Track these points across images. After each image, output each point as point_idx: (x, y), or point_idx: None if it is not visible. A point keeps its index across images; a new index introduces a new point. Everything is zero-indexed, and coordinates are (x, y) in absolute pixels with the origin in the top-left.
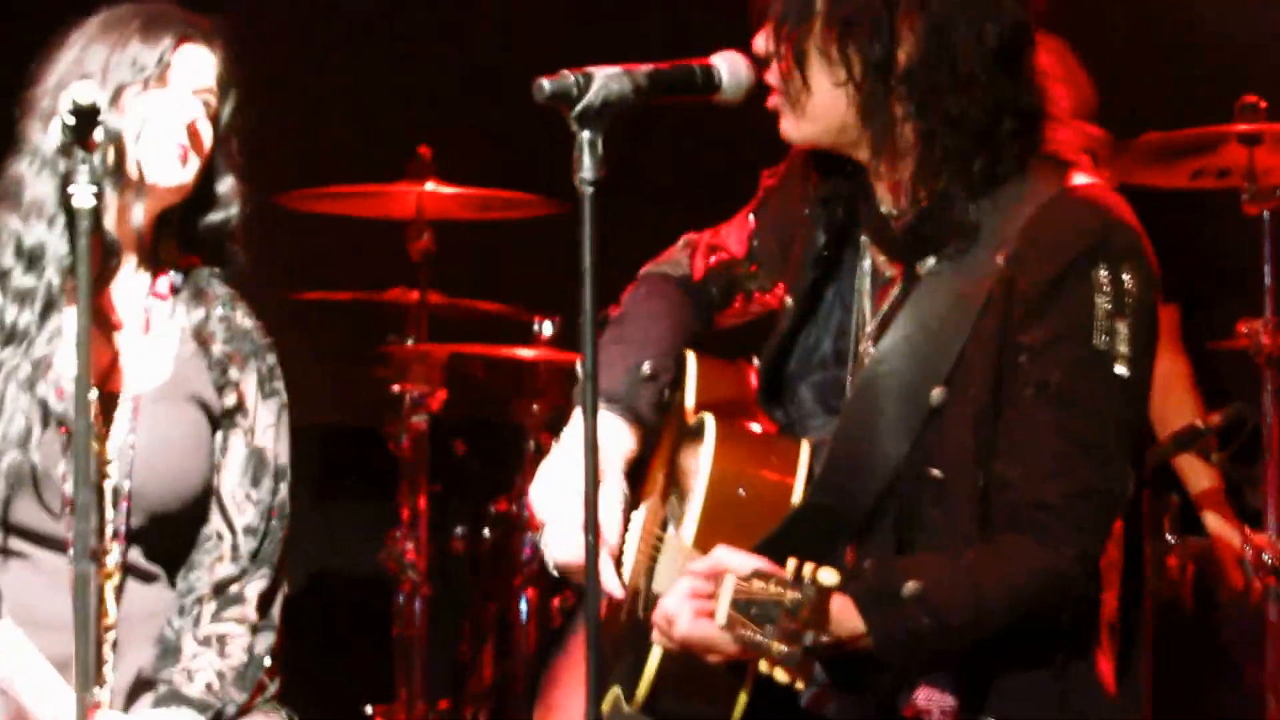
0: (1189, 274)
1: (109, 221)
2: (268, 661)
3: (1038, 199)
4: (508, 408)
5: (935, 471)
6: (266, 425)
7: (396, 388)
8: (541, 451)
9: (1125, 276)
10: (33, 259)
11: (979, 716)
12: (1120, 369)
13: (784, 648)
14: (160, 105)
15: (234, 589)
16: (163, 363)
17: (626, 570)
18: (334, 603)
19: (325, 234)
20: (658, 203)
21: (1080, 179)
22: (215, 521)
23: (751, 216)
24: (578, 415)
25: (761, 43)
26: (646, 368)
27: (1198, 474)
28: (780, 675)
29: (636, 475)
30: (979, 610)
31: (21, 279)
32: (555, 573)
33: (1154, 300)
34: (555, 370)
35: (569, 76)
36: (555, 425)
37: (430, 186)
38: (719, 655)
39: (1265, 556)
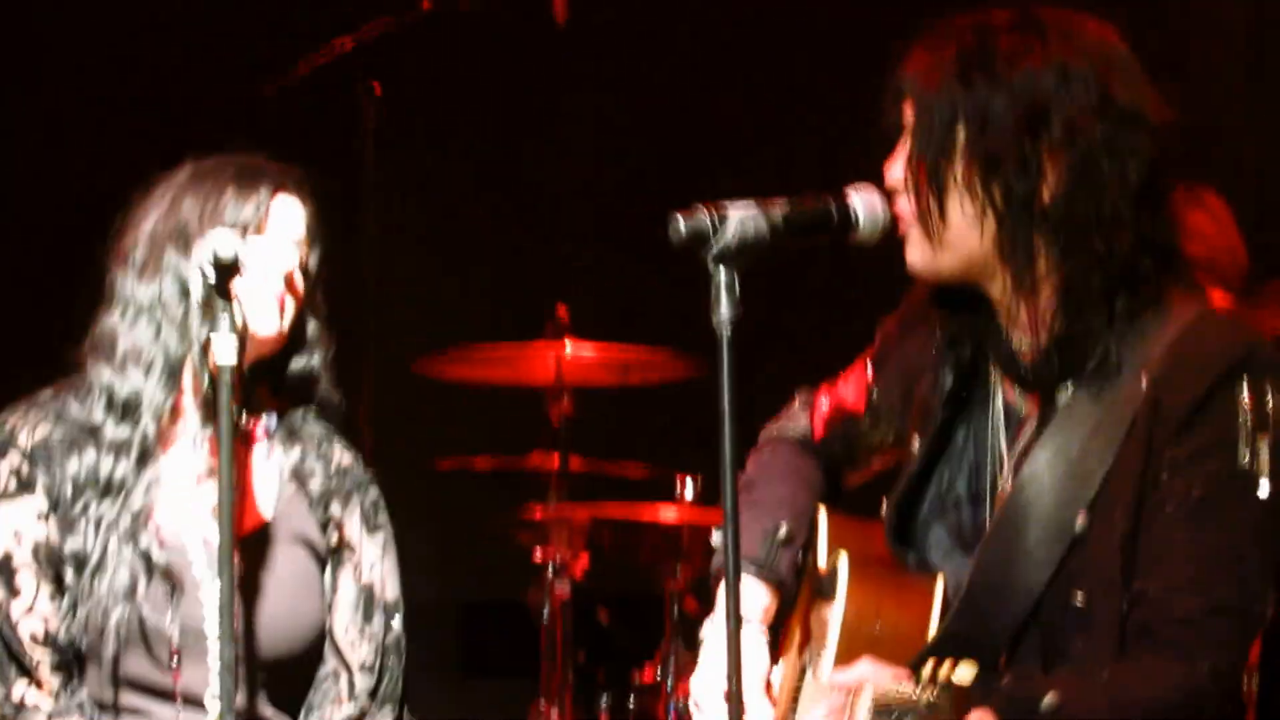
0: None
1: (205, 368)
2: None
3: (1178, 323)
4: (651, 573)
5: (1079, 598)
6: (373, 561)
7: (538, 555)
8: (685, 618)
9: (1269, 394)
10: (126, 409)
11: None
12: (1264, 486)
13: None
14: (259, 255)
15: None
16: (264, 506)
17: (781, 707)
18: None
19: (465, 400)
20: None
21: (1219, 305)
22: (331, 662)
23: (870, 367)
24: (721, 593)
25: (896, 172)
26: (782, 531)
27: None
28: None
29: (776, 636)
30: None
31: (115, 431)
32: None
33: None
34: (698, 532)
35: (704, 216)
36: (699, 590)
37: (569, 347)
38: None
39: None
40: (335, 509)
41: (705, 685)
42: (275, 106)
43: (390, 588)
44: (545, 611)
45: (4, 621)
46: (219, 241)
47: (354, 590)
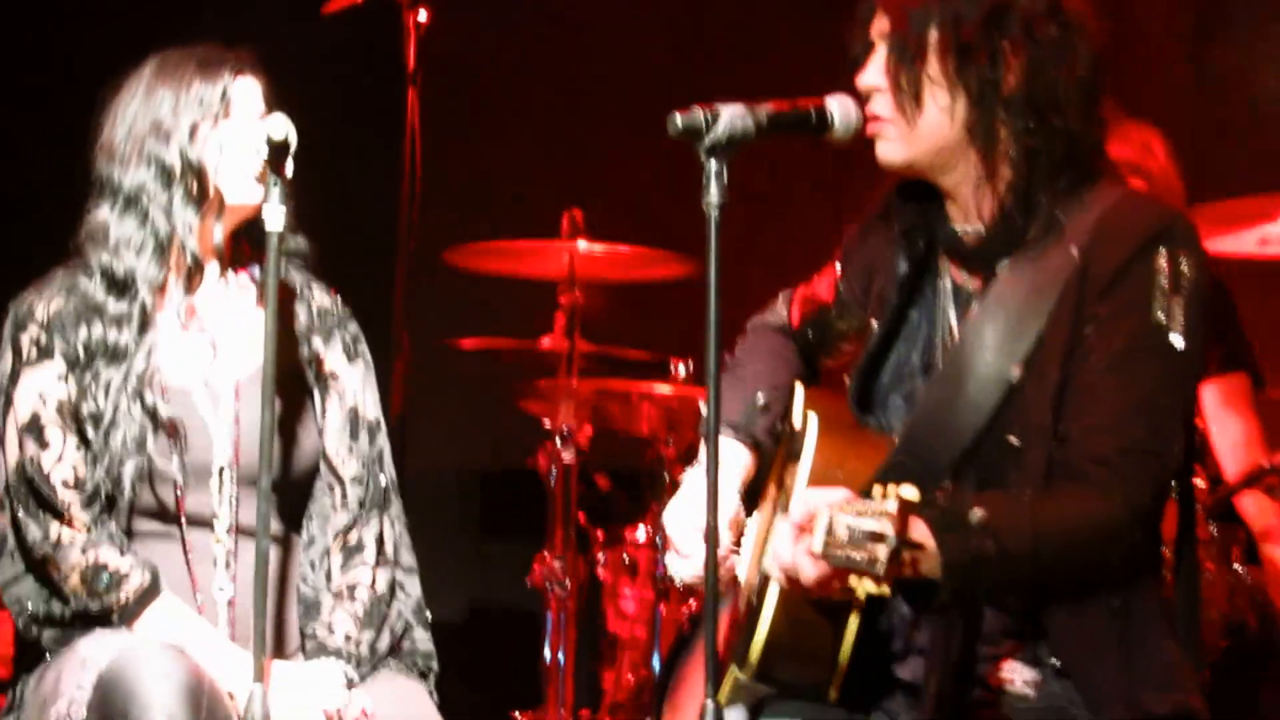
0: (1257, 339)
1: (192, 242)
2: (388, 597)
3: (1106, 200)
4: (646, 443)
5: (1013, 439)
6: (355, 388)
7: (547, 424)
8: (675, 483)
9: (1183, 261)
10: (124, 287)
11: (1044, 656)
12: (1175, 340)
13: (870, 555)
14: (232, 136)
15: (352, 537)
16: (254, 349)
17: (743, 572)
18: (490, 622)
19: (486, 289)
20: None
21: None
22: (325, 476)
23: (838, 265)
24: (703, 448)
25: (870, 76)
26: (760, 398)
27: (1262, 510)
28: (869, 587)
29: (755, 495)
30: (1036, 541)
31: (116, 306)
32: (681, 587)
33: (1207, 282)
34: (688, 405)
35: (699, 113)
36: (688, 457)
37: (581, 245)
38: (823, 581)
39: None
40: (318, 344)
41: (676, 519)
42: (334, 25)
43: (371, 409)
44: (552, 475)
45: (37, 472)
46: (272, 125)
47: (340, 414)
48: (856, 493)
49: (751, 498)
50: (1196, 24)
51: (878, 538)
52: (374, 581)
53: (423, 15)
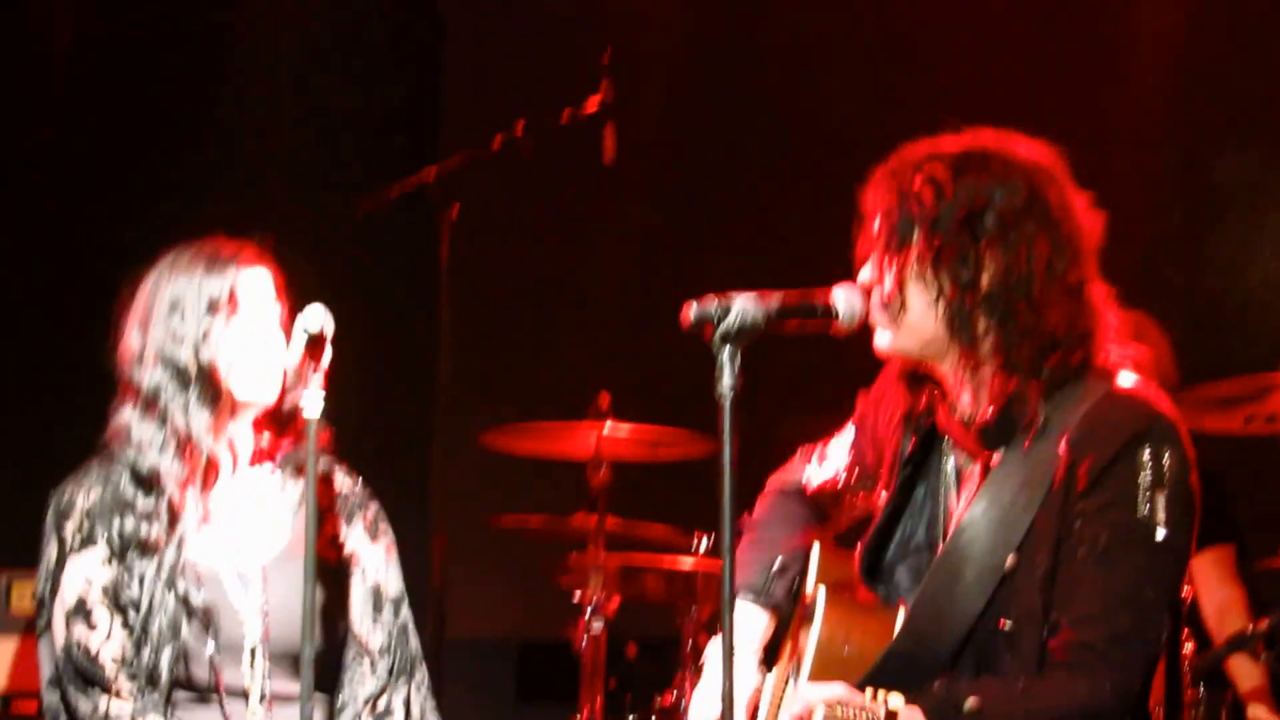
0: (1244, 511)
1: (208, 441)
2: None
3: (1093, 396)
4: (671, 613)
5: (1007, 624)
6: (378, 565)
7: (577, 595)
8: (698, 651)
9: (1165, 457)
10: (150, 484)
11: None
12: (1159, 533)
13: None
14: (243, 333)
15: (381, 703)
16: (280, 533)
17: None
18: None
19: (521, 469)
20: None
21: (1126, 380)
22: (353, 649)
23: (852, 429)
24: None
25: (865, 274)
26: (778, 562)
27: (1247, 673)
28: None
29: (775, 652)
30: None
31: (144, 502)
32: None
33: (1190, 477)
34: (710, 579)
35: (711, 304)
36: (711, 626)
37: (607, 426)
38: None
39: None
40: (340, 526)
41: (703, 705)
42: (370, 223)
43: (393, 584)
44: (583, 645)
45: (84, 654)
46: (308, 318)
47: (364, 591)
48: (862, 669)
49: (772, 654)
50: (1185, 211)
51: None
52: None
53: (455, 211)
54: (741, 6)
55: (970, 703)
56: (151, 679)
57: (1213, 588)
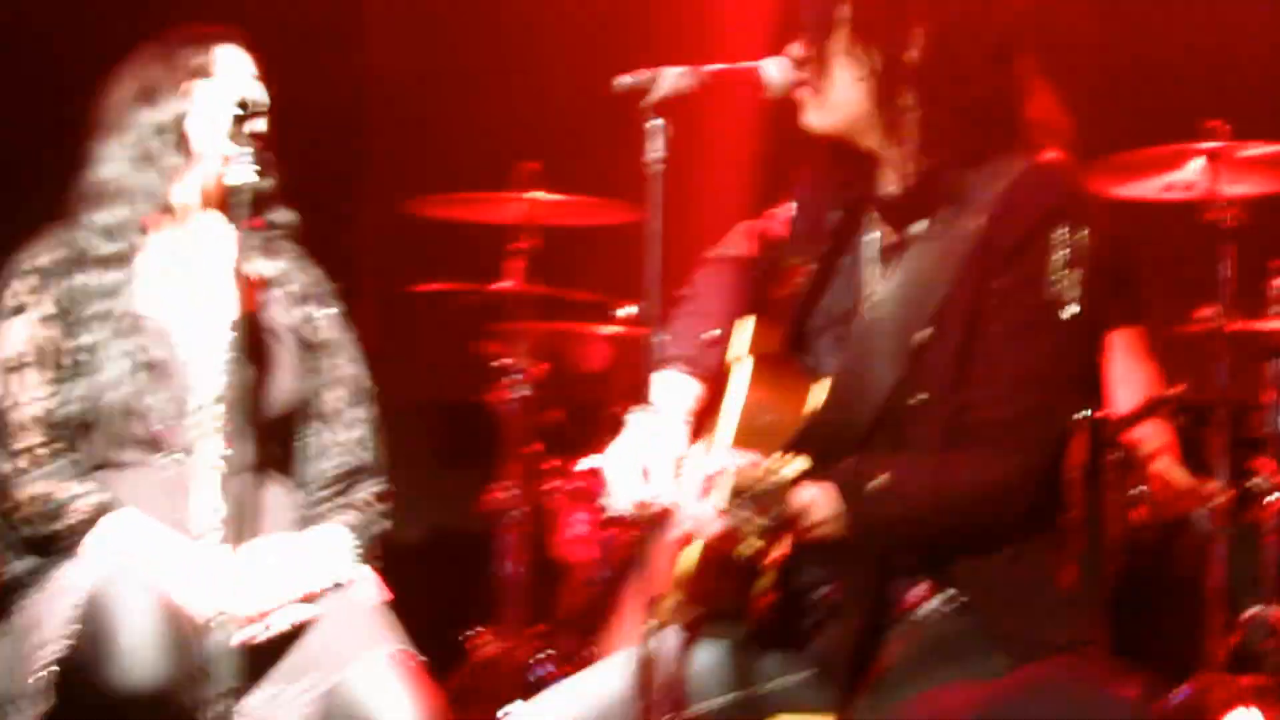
0: (1159, 279)
1: (177, 192)
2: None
3: (1013, 172)
4: (597, 380)
5: (919, 398)
6: (352, 356)
7: (501, 362)
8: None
9: (1081, 234)
10: (114, 233)
11: (948, 591)
12: (1071, 309)
13: (758, 519)
14: (216, 90)
15: (355, 491)
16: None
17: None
18: (449, 545)
19: (443, 237)
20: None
21: (1048, 155)
22: (327, 435)
23: (793, 204)
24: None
25: (794, 48)
26: (713, 333)
27: (1156, 433)
28: (756, 543)
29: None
30: (936, 502)
31: (105, 247)
32: (620, 519)
33: (1105, 254)
34: (638, 345)
35: (643, 73)
36: (635, 395)
37: (535, 195)
38: (724, 537)
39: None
40: (314, 310)
41: (614, 458)
42: None
43: (362, 378)
44: (510, 409)
45: (9, 409)
46: (245, 90)
47: (345, 377)
48: (779, 442)
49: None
50: None
51: (767, 505)
52: (369, 524)
53: None
54: None
55: (879, 480)
56: (85, 434)
57: (1124, 371)
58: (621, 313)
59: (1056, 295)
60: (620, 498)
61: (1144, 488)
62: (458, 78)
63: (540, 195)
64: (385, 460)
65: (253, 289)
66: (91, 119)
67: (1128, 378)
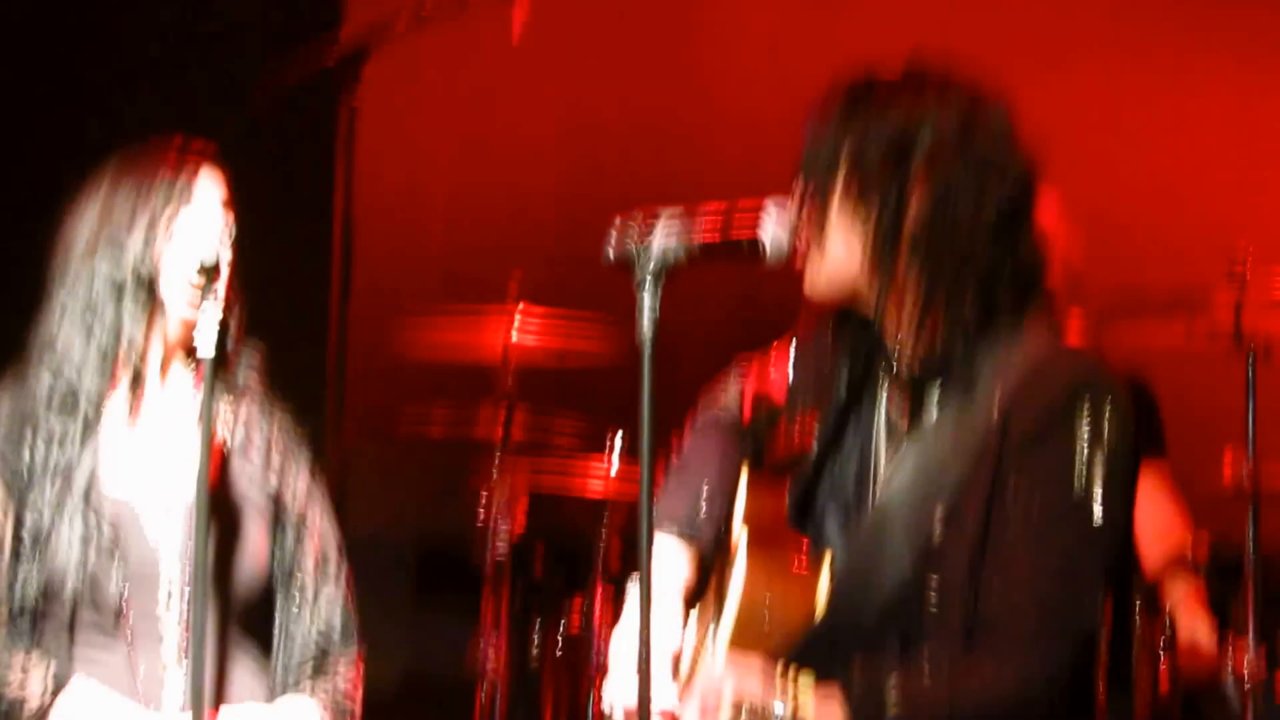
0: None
1: (137, 353)
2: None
3: (1032, 352)
4: (585, 524)
5: (933, 596)
6: (324, 525)
7: (484, 499)
8: (608, 566)
9: (1105, 424)
10: (65, 403)
11: None
12: (1096, 511)
13: None
14: (187, 241)
15: (329, 664)
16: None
17: (684, 674)
18: (430, 693)
19: (430, 367)
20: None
21: (1063, 336)
22: (299, 612)
23: (790, 359)
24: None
25: (791, 202)
26: (705, 492)
27: (1181, 583)
28: None
29: (703, 592)
30: (953, 717)
31: (56, 420)
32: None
33: (1131, 440)
34: (628, 487)
35: (630, 247)
36: (627, 541)
37: (517, 318)
38: None
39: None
40: (283, 475)
41: (620, 650)
42: (262, 109)
43: (335, 540)
44: (487, 558)
45: None
46: (203, 251)
47: (317, 550)
48: (780, 641)
49: (694, 601)
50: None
51: None
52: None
53: (355, 97)
54: None
55: (892, 693)
56: (44, 615)
57: (1147, 510)
58: (613, 443)
59: (1081, 492)
60: (619, 702)
61: (1169, 654)
62: (445, 198)
63: (524, 318)
64: (358, 623)
65: (218, 453)
66: (48, 249)
67: (1151, 517)
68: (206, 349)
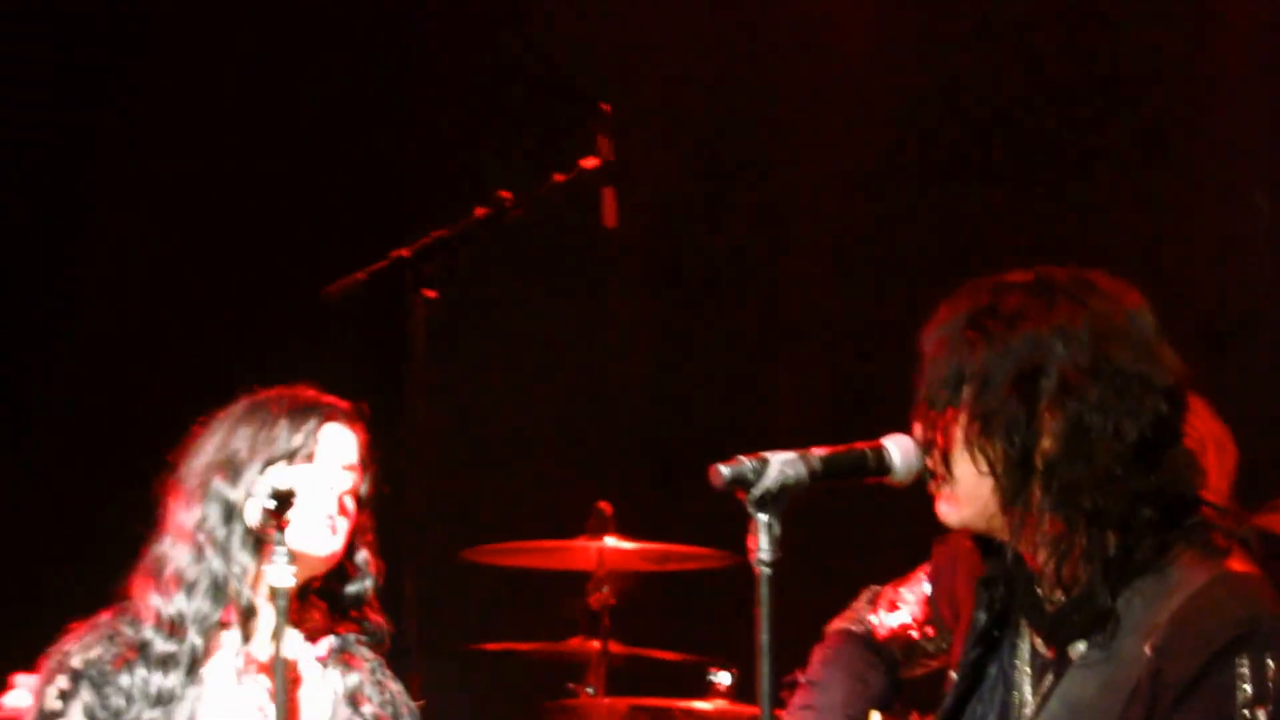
0: None
1: (248, 589)
2: None
3: (1186, 588)
4: None
5: None
6: None
7: None
8: None
9: (1269, 665)
10: (174, 627)
11: None
12: None
13: None
14: (310, 480)
15: None
16: (315, 717)
17: None
18: None
19: (509, 588)
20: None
21: (1231, 569)
22: None
23: (927, 585)
24: None
25: (918, 431)
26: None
27: None
28: None
29: None
30: None
31: (164, 646)
32: None
33: None
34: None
35: (745, 463)
36: None
37: (610, 541)
38: None
39: None
40: None
41: None
42: (335, 309)
43: None
44: None
45: None
46: (276, 476)
47: None
48: None
49: None
50: None
51: None
52: None
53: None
54: (745, 56)
55: None
56: None
57: None
58: (717, 678)
59: None
60: None
61: None
62: (519, 406)
63: (615, 542)
64: None
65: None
66: (166, 477)
67: None
68: (281, 579)
